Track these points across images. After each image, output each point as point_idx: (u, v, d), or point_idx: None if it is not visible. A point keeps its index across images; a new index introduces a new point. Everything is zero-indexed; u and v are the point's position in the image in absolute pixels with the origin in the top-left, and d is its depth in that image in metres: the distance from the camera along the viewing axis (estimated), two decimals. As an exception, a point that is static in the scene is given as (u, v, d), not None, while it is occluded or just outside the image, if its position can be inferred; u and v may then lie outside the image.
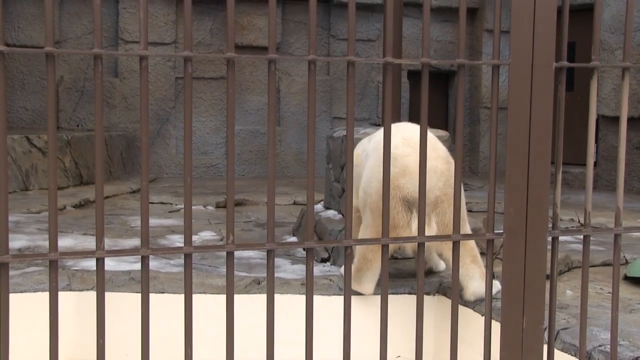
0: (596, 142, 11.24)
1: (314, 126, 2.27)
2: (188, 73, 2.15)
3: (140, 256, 2.13)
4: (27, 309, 4.66)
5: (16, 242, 6.02)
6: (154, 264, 5.74)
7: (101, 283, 2.08)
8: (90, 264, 5.28)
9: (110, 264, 5.25)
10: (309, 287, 2.31)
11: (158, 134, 12.23)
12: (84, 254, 2.10)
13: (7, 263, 2.00)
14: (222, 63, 12.21)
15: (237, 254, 6.30)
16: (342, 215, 6.56)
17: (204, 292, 4.93)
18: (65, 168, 9.62)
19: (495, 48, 2.40)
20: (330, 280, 5.17)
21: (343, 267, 4.32)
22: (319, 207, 7.48)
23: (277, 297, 4.90)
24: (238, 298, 4.74)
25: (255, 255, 6.24)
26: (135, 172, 11.54)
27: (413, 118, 10.89)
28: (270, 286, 2.30)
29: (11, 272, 4.85)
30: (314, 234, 6.79)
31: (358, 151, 5.00)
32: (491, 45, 12.27)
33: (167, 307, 4.82)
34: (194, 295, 4.89)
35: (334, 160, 7.02)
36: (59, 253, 2.03)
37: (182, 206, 9.00)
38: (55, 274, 2.05)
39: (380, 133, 4.84)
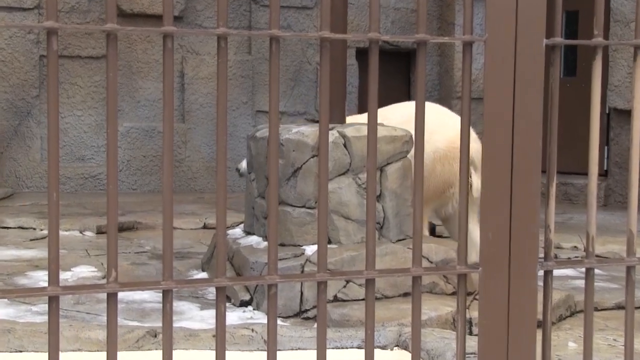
0: (606, 144, 11.44)
1: (225, 123, 2.28)
2: (53, 50, 2.13)
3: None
4: None
5: None
6: (9, 311, 5.65)
7: None
8: None
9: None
10: (219, 340, 2.31)
11: (16, 133, 12.00)
12: None
13: None
14: (103, 37, 12.10)
15: (125, 296, 6.23)
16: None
17: (80, 349, 4.88)
18: None
19: (466, 20, 2.44)
20: (253, 330, 5.16)
21: None
22: (237, 231, 7.45)
23: (181, 353, 4.87)
24: (127, 356, 4.69)
25: (150, 297, 6.19)
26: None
27: (363, 109, 10.93)
28: (167, 339, 2.29)
29: None
30: (230, 268, 6.77)
31: None
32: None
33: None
34: (66, 354, 4.84)
35: (258, 168, 6.99)
36: None
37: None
38: None
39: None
